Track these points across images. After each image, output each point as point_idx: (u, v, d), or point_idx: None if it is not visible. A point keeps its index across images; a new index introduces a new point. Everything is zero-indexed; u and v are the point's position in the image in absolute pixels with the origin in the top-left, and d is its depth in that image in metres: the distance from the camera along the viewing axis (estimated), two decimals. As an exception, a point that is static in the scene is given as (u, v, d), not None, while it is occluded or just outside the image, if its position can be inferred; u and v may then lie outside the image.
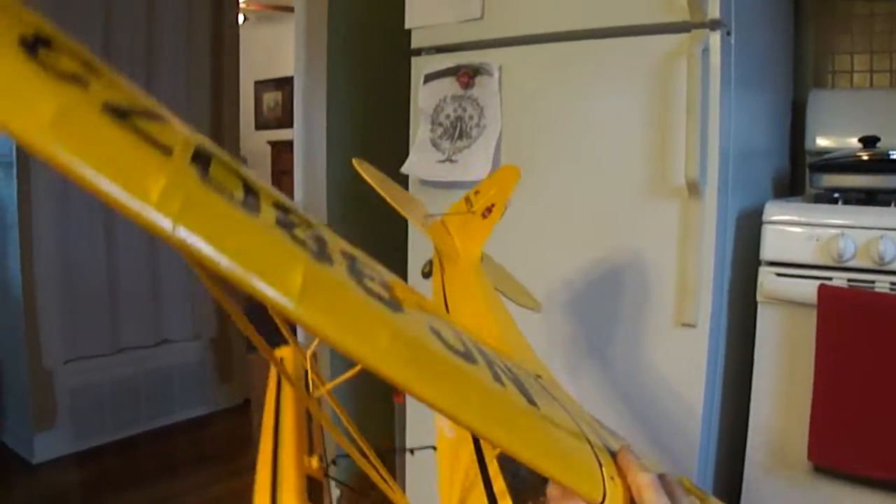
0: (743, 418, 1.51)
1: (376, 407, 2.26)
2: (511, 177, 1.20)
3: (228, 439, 2.85)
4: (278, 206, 0.39)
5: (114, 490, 2.32)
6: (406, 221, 1.84)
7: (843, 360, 1.34)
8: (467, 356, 0.45)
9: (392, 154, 1.87)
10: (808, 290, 1.38)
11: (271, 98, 6.21)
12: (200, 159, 0.37)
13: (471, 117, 1.64)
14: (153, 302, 2.80)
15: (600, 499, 0.58)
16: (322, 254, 0.39)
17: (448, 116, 1.68)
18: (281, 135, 5.83)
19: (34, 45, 0.34)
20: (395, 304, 0.41)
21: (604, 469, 0.59)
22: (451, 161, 1.66)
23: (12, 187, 2.40)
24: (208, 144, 0.39)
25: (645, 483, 0.58)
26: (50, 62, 0.34)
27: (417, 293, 0.47)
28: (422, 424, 1.90)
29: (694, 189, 1.38)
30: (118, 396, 2.67)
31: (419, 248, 1.86)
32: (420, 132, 1.74)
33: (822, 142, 1.86)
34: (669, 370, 1.49)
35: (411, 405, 1.93)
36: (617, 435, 0.70)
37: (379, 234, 2.29)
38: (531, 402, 0.51)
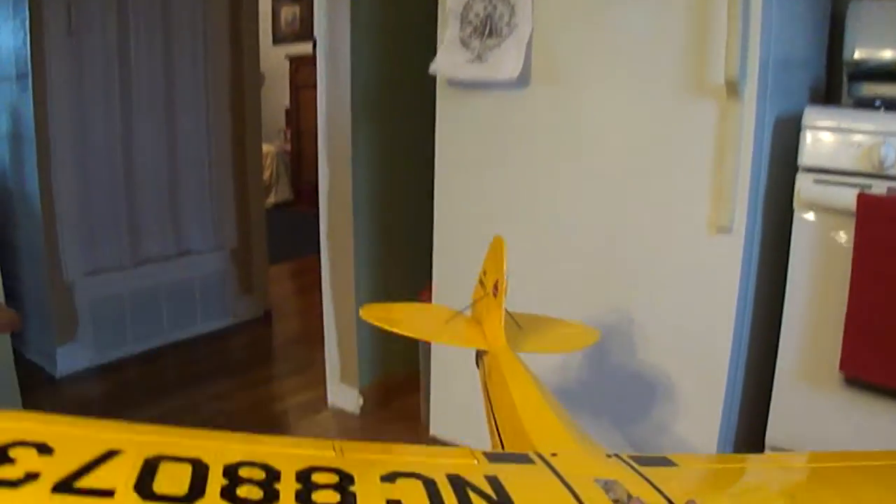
0: (775, 327, 1.51)
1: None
2: (499, 249, 1.24)
3: (249, 351, 2.90)
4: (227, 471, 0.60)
5: (135, 401, 2.38)
6: (431, 124, 1.82)
7: (881, 269, 1.33)
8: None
9: (418, 56, 1.84)
10: (846, 197, 1.37)
11: (289, 12, 6.10)
12: (143, 483, 0.56)
13: (501, 16, 1.61)
14: (173, 213, 2.81)
15: None
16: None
17: (478, 15, 1.65)
18: (299, 49, 5.73)
19: None
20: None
21: None
22: (481, 60, 1.64)
23: (28, 100, 2.38)
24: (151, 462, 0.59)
25: None
26: (5, 475, 0.53)
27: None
28: (446, 353, 1.91)
29: (733, 90, 1.35)
30: (139, 309, 2.71)
31: (445, 153, 1.84)
32: (448, 32, 1.72)
33: (860, 53, 1.79)
34: (702, 277, 1.49)
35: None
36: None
37: (405, 140, 2.28)
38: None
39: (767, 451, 1.48)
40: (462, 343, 1.26)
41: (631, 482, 0.70)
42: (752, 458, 0.91)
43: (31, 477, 0.54)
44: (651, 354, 1.58)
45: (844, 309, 1.36)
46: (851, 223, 1.35)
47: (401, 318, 1.33)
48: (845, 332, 1.37)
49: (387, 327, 1.28)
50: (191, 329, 2.89)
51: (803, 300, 1.46)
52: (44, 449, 0.58)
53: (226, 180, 2.96)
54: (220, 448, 0.65)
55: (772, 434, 1.48)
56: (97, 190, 2.59)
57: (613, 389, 1.66)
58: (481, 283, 1.31)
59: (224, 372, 2.66)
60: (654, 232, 1.54)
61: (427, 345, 1.98)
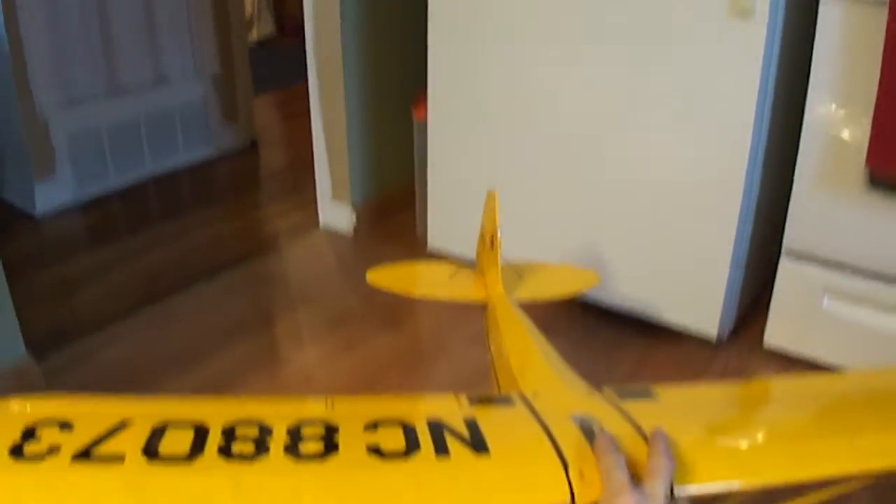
0: (796, 123, 1.47)
1: (397, 126, 2.27)
2: (493, 204, 1.32)
3: (236, 180, 2.91)
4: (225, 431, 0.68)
5: (119, 234, 2.42)
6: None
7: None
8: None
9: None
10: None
11: None
12: (150, 446, 0.65)
13: None
14: (149, 35, 2.70)
15: (569, 501, 0.65)
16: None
17: None
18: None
19: (19, 448, 0.64)
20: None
21: (570, 470, 0.67)
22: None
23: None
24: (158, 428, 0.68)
25: (603, 466, 0.65)
26: (31, 451, 0.63)
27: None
28: (443, 142, 1.89)
29: None
30: (118, 141, 2.68)
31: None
32: None
33: None
34: (721, 67, 1.43)
35: (433, 121, 1.91)
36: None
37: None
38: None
39: (784, 258, 1.47)
40: (465, 297, 1.33)
41: (608, 416, 0.76)
42: (737, 386, 0.95)
43: (54, 450, 0.64)
44: (665, 160, 1.56)
45: (873, 103, 1.31)
46: (884, 12, 1.28)
47: (407, 280, 1.40)
48: (874, 124, 1.32)
49: (395, 290, 1.38)
50: (173, 161, 2.87)
51: (828, 92, 1.40)
52: (65, 425, 0.68)
53: (205, 3, 2.80)
54: (221, 411, 0.72)
55: (789, 241, 1.48)
56: (67, 12, 2.45)
57: (631, 199, 1.65)
58: (482, 237, 1.38)
59: (210, 201, 2.69)
60: (674, 15, 1.47)
61: (423, 156, 1.98)
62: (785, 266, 1.48)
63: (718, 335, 1.56)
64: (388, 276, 1.37)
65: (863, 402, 0.87)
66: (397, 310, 1.76)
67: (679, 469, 0.68)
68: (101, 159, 2.66)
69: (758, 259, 1.63)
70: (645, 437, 0.71)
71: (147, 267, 2.15)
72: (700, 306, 1.56)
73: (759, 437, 0.79)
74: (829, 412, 0.84)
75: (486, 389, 1.13)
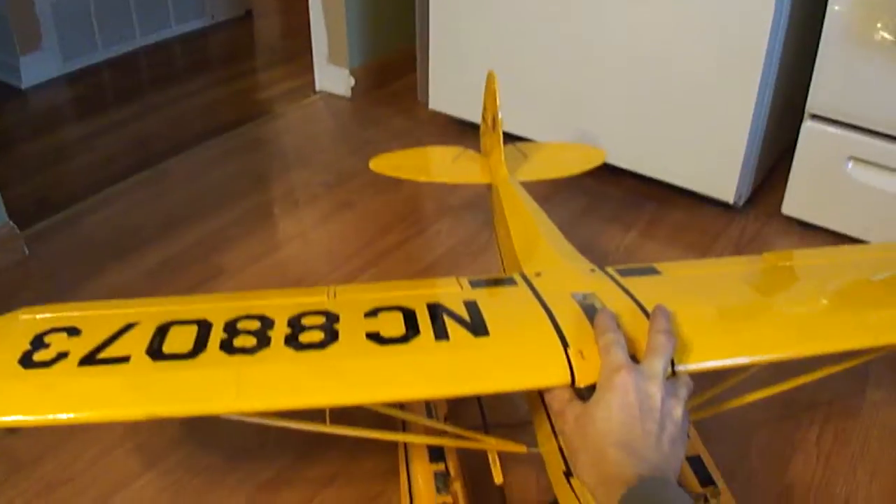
0: None
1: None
2: (492, 85, 1.30)
3: (230, 48, 2.83)
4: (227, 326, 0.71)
5: (108, 104, 2.37)
6: None
7: None
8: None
9: None
10: None
11: None
12: (154, 347, 0.68)
13: None
14: None
15: (569, 381, 0.65)
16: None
17: None
18: None
19: (29, 355, 0.67)
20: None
21: (570, 350, 0.67)
22: None
23: None
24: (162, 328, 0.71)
25: (602, 344, 0.66)
26: (40, 358, 0.67)
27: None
28: (446, 19, 1.81)
29: None
30: (107, 12, 2.60)
31: None
32: None
33: None
34: None
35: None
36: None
37: None
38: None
39: (807, 120, 1.42)
40: (469, 179, 1.34)
41: (609, 294, 0.77)
42: (746, 261, 0.93)
43: (62, 356, 0.67)
44: (683, 22, 1.47)
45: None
46: None
47: (410, 165, 1.39)
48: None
49: (398, 175, 1.40)
50: (164, 31, 2.78)
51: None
52: (73, 331, 0.70)
53: None
54: (224, 307, 0.74)
55: (813, 103, 1.41)
56: None
57: (643, 64, 1.56)
58: (483, 119, 1.37)
59: (203, 69, 2.62)
60: None
61: (425, 15, 1.91)
62: (808, 129, 1.43)
63: (735, 201, 1.53)
64: (391, 163, 1.36)
65: (877, 276, 0.86)
66: None
67: (681, 346, 0.69)
68: (89, 31, 2.58)
69: (778, 124, 1.58)
70: (647, 314, 0.72)
71: (138, 134, 2.10)
72: (717, 171, 1.53)
73: (766, 312, 0.79)
74: (841, 286, 0.84)
75: (488, 255, 1.14)
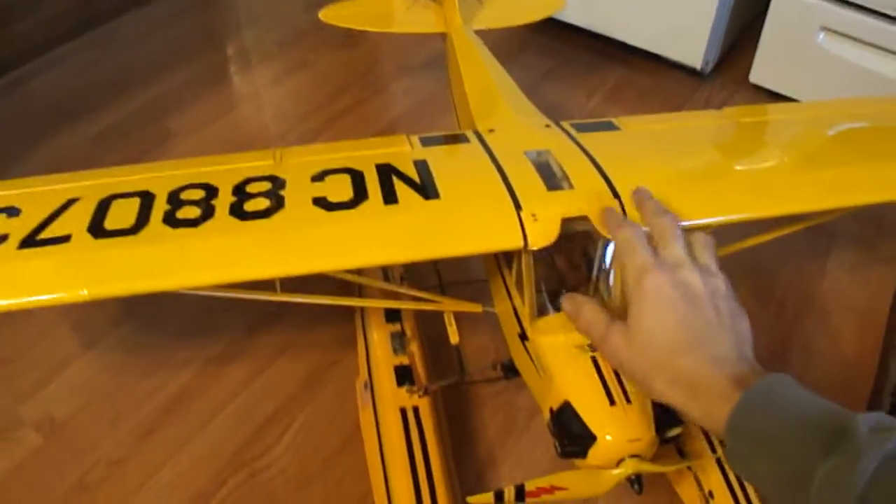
0: None
1: None
2: None
3: None
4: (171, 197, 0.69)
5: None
6: None
7: None
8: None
9: None
10: None
11: None
12: (96, 223, 0.66)
13: None
14: None
15: (521, 244, 0.63)
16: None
17: None
18: None
19: None
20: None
21: (522, 213, 0.65)
22: None
23: None
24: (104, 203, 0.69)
25: (621, 241, 0.62)
26: None
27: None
28: None
29: None
30: None
31: None
32: None
33: None
34: None
35: None
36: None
37: None
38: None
39: None
40: (423, 28, 1.26)
41: (564, 151, 0.75)
42: (702, 115, 0.90)
43: (2, 239, 0.64)
44: None
45: None
46: None
47: (361, 15, 1.32)
48: None
49: (350, 25, 1.34)
50: None
51: None
52: (12, 212, 0.68)
53: None
54: (167, 176, 0.72)
55: None
56: None
57: None
58: None
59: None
60: None
61: None
62: None
63: (702, 67, 1.49)
64: (341, 13, 1.29)
65: (842, 133, 0.85)
66: (354, 30, 1.66)
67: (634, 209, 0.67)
68: None
69: None
70: (602, 174, 0.70)
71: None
72: (685, 35, 1.47)
73: (727, 171, 0.77)
74: (804, 144, 0.82)
75: (448, 116, 1.11)
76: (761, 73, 1.48)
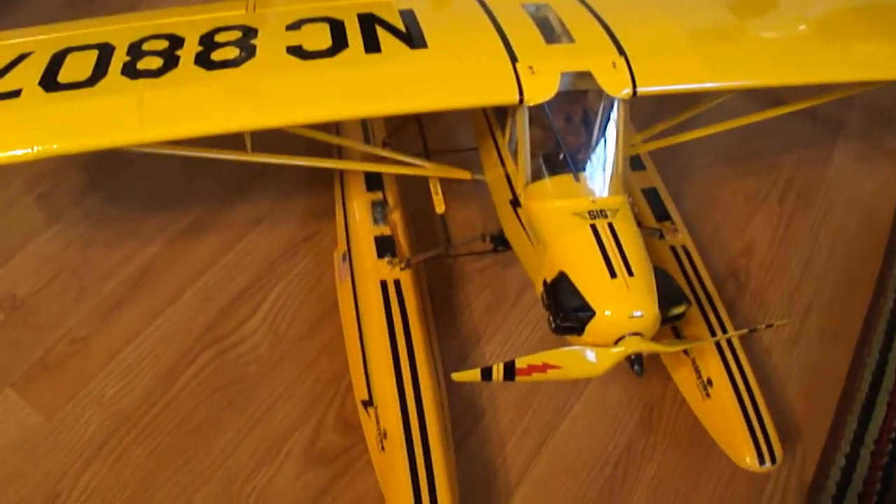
0: None
1: None
2: None
3: None
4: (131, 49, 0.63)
5: None
6: None
7: None
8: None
9: None
10: None
11: None
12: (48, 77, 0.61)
13: None
14: None
15: (517, 98, 0.59)
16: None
17: None
18: None
19: None
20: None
21: (518, 64, 0.60)
22: None
23: None
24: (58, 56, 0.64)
25: None
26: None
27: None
28: None
29: None
30: None
31: None
32: None
33: None
34: None
35: None
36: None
37: None
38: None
39: None
40: None
41: (565, 5, 0.69)
42: None
43: None
44: None
45: None
46: None
47: None
48: None
49: None
50: None
51: None
52: None
53: None
54: (129, 28, 0.66)
55: None
56: None
57: None
58: None
59: None
60: None
61: None
62: None
63: None
64: None
65: (862, 4, 0.79)
66: None
67: (647, 65, 0.62)
68: None
69: None
70: (605, 26, 0.65)
71: None
72: None
73: (740, 35, 0.72)
74: (822, 14, 0.76)
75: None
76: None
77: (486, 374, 0.57)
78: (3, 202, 0.96)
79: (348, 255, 0.82)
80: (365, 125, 0.90)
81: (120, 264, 0.89)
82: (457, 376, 0.58)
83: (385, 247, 0.79)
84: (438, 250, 0.80)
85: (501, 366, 0.57)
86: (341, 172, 0.89)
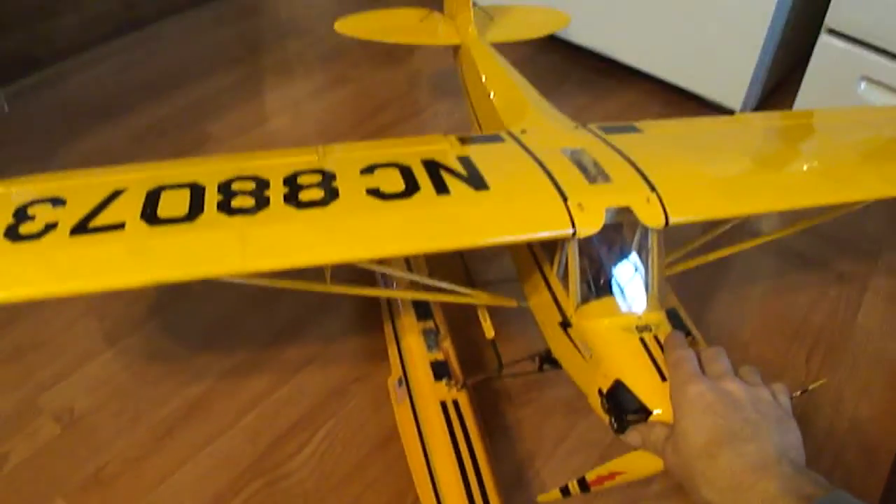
0: None
1: None
2: None
3: None
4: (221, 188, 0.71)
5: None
6: None
7: None
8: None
9: None
10: None
11: None
12: (149, 211, 0.68)
13: None
14: None
15: (570, 231, 0.69)
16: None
17: None
18: None
19: (14, 228, 0.65)
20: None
21: (569, 202, 0.70)
22: None
23: None
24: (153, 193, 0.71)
25: (672, 360, 0.65)
26: (27, 230, 0.65)
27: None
28: None
29: None
30: None
31: None
32: None
33: None
34: None
35: None
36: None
37: None
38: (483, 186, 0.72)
39: (824, 35, 1.40)
40: (436, 41, 1.33)
41: (597, 150, 0.80)
42: (720, 120, 0.97)
43: (51, 227, 0.65)
44: None
45: None
46: None
47: (376, 26, 1.39)
48: None
49: (364, 37, 1.39)
50: None
51: None
52: (57, 202, 0.69)
53: None
54: (213, 170, 0.74)
55: (833, 18, 1.38)
56: None
57: None
58: None
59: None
60: None
61: None
62: (823, 44, 1.38)
63: (741, 109, 1.50)
64: (356, 24, 1.34)
65: (854, 138, 0.90)
66: (396, 49, 1.70)
67: (674, 199, 0.72)
68: None
69: (793, 36, 1.52)
70: (636, 168, 0.75)
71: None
72: (726, 77, 1.50)
73: (747, 166, 0.83)
74: (818, 147, 0.89)
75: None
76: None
77: (565, 491, 0.66)
78: (66, 320, 1.03)
79: (405, 380, 0.90)
80: (408, 262, 1.00)
81: (173, 392, 0.96)
82: (542, 498, 0.68)
83: (441, 371, 0.88)
84: (491, 372, 0.88)
85: (576, 482, 0.66)
86: (391, 306, 0.97)
